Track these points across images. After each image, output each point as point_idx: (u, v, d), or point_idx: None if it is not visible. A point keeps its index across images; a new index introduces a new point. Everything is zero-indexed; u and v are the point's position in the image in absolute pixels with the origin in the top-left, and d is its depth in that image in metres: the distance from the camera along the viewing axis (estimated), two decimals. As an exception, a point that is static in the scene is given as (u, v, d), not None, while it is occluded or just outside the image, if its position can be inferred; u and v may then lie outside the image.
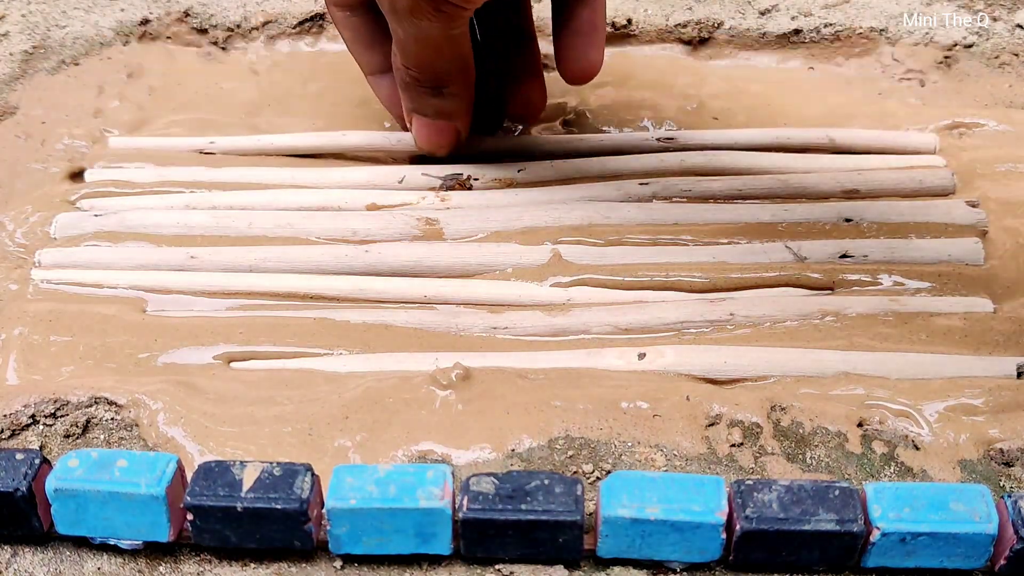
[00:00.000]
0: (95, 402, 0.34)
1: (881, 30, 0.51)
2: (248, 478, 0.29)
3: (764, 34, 0.51)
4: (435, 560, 0.30)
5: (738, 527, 0.28)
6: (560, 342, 0.37)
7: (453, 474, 0.29)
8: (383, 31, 0.38)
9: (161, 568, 0.30)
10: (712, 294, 0.38)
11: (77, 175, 0.44)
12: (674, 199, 0.42)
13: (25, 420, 0.34)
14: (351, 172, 0.44)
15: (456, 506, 0.29)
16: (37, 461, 0.29)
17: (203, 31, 0.52)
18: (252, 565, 0.30)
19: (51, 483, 0.29)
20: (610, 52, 0.51)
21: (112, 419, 0.34)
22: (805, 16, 0.51)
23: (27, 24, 0.52)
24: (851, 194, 0.42)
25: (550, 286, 0.39)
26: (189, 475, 0.29)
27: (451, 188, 0.43)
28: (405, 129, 0.43)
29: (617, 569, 0.30)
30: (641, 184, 0.42)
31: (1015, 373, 0.35)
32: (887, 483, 0.29)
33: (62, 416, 0.34)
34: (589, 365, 0.35)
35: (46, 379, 0.35)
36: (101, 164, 0.44)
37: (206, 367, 0.36)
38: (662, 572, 0.30)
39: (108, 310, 0.37)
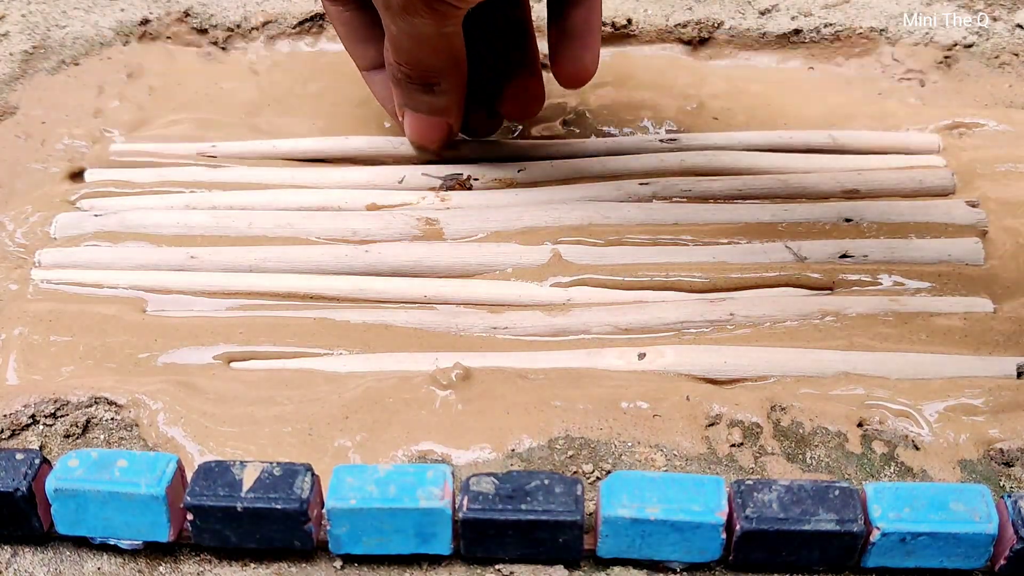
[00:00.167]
0: (95, 402, 0.34)
1: (881, 30, 0.51)
2: (248, 478, 0.29)
3: (764, 34, 0.51)
4: (435, 560, 0.30)
5: (738, 527, 0.28)
6: (560, 342, 0.37)
7: (453, 474, 0.29)
8: (378, 26, 0.38)
9: (161, 568, 0.30)
10: (712, 294, 0.38)
11: (77, 175, 0.44)
12: (674, 199, 0.42)
13: (25, 420, 0.34)
14: (351, 172, 0.44)
15: (456, 506, 0.29)
16: (37, 461, 0.29)
17: (203, 31, 0.52)
18: (252, 565, 0.30)
19: (51, 483, 0.29)
20: (610, 52, 0.51)
21: (112, 419, 0.34)
22: (805, 16, 0.51)
23: (27, 24, 0.52)
24: (851, 194, 0.42)
25: (550, 286, 0.39)
26: (189, 475, 0.29)
27: (451, 188, 0.43)
28: (399, 123, 0.43)
29: (617, 569, 0.30)
30: (641, 184, 0.42)
31: (1015, 373, 0.35)
32: (887, 483, 0.29)
33: (62, 416, 0.34)
34: (589, 365, 0.35)
35: (46, 379, 0.35)
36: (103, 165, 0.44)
37: (206, 367, 0.36)
38: (662, 572, 0.30)
39: (108, 310, 0.37)
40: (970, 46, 0.50)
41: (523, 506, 0.28)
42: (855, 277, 0.38)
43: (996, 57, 0.50)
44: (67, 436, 0.33)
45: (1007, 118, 0.46)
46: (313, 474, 0.29)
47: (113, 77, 0.50)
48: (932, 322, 0.37)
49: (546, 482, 0.29)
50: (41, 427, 0.34)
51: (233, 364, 0.36)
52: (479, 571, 0.30)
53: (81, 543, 0.31)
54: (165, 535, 0.29)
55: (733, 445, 0.33)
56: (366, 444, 0.33)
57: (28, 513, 0.29)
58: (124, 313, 0.37)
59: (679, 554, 0.29)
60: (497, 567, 0.30)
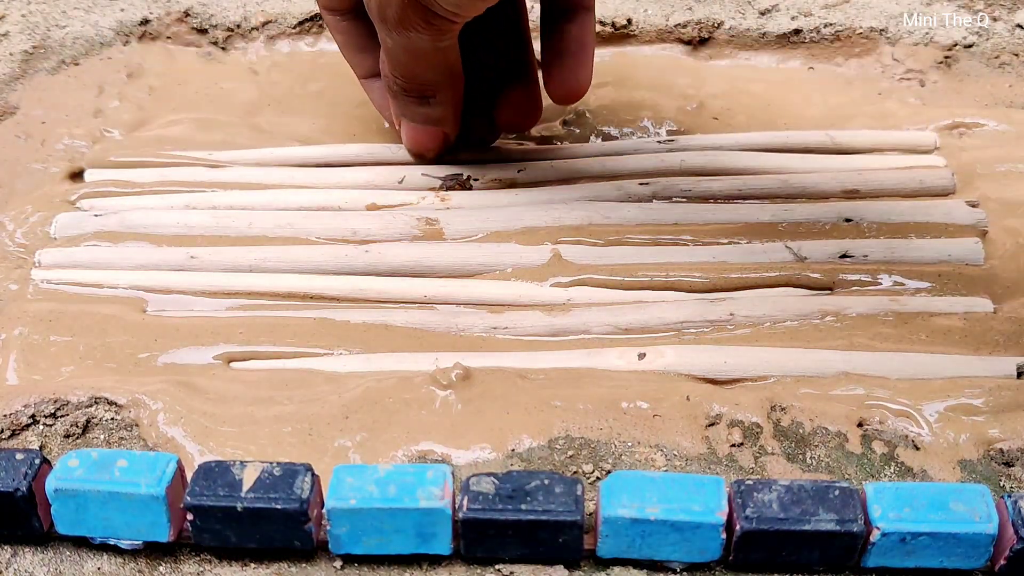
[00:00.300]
0: (95, 402, 0.34)
1: (881, 30, 0.51)
2: (248, 478, 0.29)
3: (764, 34, 0.51)
4: (435, 560, 0.30)
5: (738, 527, 0.28)
6: (560, 342, 0.37)
7: (453, 474, 0.29)
8: (375, 35, 0.38)
9: (161, 568, 0.30)
10: (712, 294, 0.38)
11: (77, 175, 0.44)
12: (674, 199, 0.42)
13: (25, 420, 0.34)
14: (351, 172, 0.44)
15: (456, 506, 0.29)
16: (37, 461, 0.29)
17: (203, 31, 0.52)
18: (252, 565, 0.30)
19: (51, 483, 0.29)
20: (610, 52, 0.51)
21: (112, 419, 0.34)
22: (805, 16, 0.51)
23: (27, 24, 0.52)
24: (851, 194, 0.42)
25: (550, 286, 0.39)
26: (189, 475, 0.29)
27: (451, 188, 0.43)
28: (396, 131, 0.43)
29: (617, 569, 0.30)
30: (641, 184, 0.42)
31: (1015, 373, 0.35)
32: (887, 483, 0.29)
33: (62, 416, 0.34)
34: (589, 365, 0.35)
35: (46, 379, 0.35)
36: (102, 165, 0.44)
37: (206, 367, 0.36)
38: (662, 572, 0.30)
39: (108, 310, 0.37)
40: (970, 46, 0.50)
41: (523, 506, 0.28)
42: (855, 277, 0.38)
43: (996, 57, 0.50)
44: (67, 436, 0.33)
45: (1007, 118, 0.46)
46: (313, 474, 0.29)
47: (113, 77, 0.50)
48: (932, 322, 0.37)
49: (546, 482, 0.29)
50: (41, 427, 0.34)
51: (233, 364, 0.36)
52: (479, 571, 0.30)
53: (81, 543, 0.31)
54: (165, 535, 0.29)
55: (733, 445, 0.33)
56: (366, 444, 0.33)
57: (28, 513, 0.29)
58: (124, 313, 0.37)
59: (679, 554, 0.29)
60: (497, 567, 0.30)
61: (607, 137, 0.46)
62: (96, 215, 0.41)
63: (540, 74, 0.41)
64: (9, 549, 0.31)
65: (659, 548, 0.29)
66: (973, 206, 0.41)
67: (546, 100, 0.43)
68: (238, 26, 0.52)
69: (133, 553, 0.30)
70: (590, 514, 0.30)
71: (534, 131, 0.47)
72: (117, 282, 0.39)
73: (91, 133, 0.46)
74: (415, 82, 0.38)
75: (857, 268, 0.39)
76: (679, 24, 0.51)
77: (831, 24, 0.51)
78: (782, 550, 0.29)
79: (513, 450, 0.33)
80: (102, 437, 0.34)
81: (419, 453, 0.33)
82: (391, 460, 0.33)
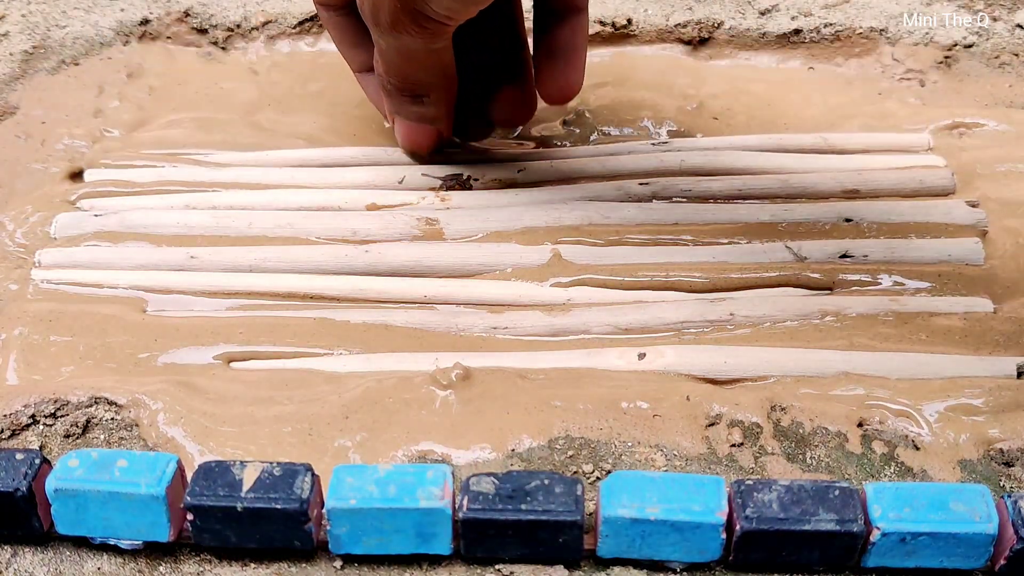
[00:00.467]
0: (95, 402, 0.34)
1: (881, 30, 0.51)
2: (248, 478, 0.29)
3: (764, 34, 0.51)
4: (435, 560, 0.30)
5: (738, 527, 0.28)
6: (560, 342, 0.37)
7: (453, 474, 0.29)
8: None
9: (161, 568, 0.30)
10: (712, 294, 0.38)
11: (77, 175, 0.44)
12: (674, 199, 0.42)
13: (25, 420, 0.34)
14: (351, 172, 0.44)
15: (456, 506, 0.29)
16: (37, 461, 0.29)
17: (203, 31, 0.52)
18: (252, 565, 0.30)
19: (51, 483, 0.29)
20: (610, 52, 0.51)
21: (112, 419, 0.34)
22: (805, 16, 0.51)
23: (27, 24, 0.52)
24: (851, 194, 0.42)
25: (550, 286, 0.39)
26: (189, 475, 0.29)
27: (451, 188, 0.43)
28: (390, 125, 0.43)
29: (617, 569, 0.30)
30: (641, 184, 0.42)
31: (1015, 373, 0.35)
32: (887, 483, 0.29)
33: (62, 416, 0.34)
34: (589, 365, 0.35)
35: (46, 379, 0.35)
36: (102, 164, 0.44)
37: (206, 367, 0.36)
38: (662, 572, 0.30)
39: (108, 310, 0.37)
40: (970, 46, 0.50)
41: (523, 506, 0.28)
42: (855, 277, 0.38)
43: (996, 57, 0.50)
44: (67, 436, 0.33)
45: (1007, 118, 0.46)
46: (313, 474, 0.29)
47: (113, 77, 0.50)
48: (932, 322, 0.37)
49: (546, 482, 0.29)
50: (41, 427, 0.34)
51: (233, 364, 0.36)
52: (479, 571, 0.30)
53: (81, 543, 0.31)
54: (165, 535, 0.29)
55: (733, 445, 0.33)
56: (366, 444, 0.33)
57: (28, 513, 0.29)
58: (124, 313, 0.37)
59: (679, 554, 0.29)
60: (497, 567, 0.30)
61: (607, 137, 0.46)
62: (96, 215, 0.41)
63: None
64: (9, 549, 0.31)
65: (659, 548, 0.29)
66: (973, 206, 0.41)
67: (541, 101, 0.43)
68: (238, 26, 0.52)
69: (133, 553, 0.30)
70: (590, 514, 0.30)
71: (534, 131, 0.47)
72: (117, 282, 0.39)
73: (91, 133, 0.46)
74: (408, 82, 0.39)
75: (857, 268, 0.39)
76: (679, 24, 0.51)
77: (831, 24, 0.51)
78: (782, 550, 0.29)
79: (513, 450, 0.33)
80: (102, 437, 0.34)
81: (419, 453, 0.33)
82: (391, 460, 0.33)
